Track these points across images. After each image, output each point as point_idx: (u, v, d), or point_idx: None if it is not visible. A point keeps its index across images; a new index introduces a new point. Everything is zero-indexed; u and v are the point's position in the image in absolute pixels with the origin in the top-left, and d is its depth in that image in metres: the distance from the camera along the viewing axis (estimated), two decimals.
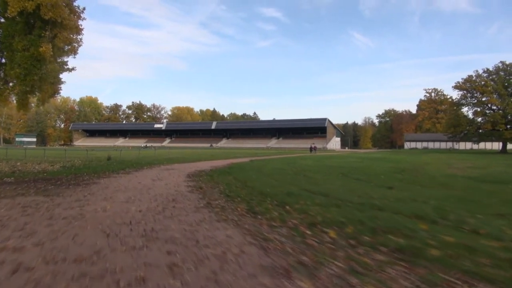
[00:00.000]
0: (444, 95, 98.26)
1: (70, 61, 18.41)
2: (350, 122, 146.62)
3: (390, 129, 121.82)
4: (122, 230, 4.54)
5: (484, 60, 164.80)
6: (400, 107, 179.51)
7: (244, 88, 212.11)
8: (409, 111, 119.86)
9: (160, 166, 18.11)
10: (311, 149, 49.04)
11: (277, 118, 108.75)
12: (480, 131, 58.68)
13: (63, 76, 25.78)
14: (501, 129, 54.78)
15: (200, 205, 6.62)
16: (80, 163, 18.17)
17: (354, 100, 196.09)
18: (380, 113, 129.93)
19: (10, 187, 8.71)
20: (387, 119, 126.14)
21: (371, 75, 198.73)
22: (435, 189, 9.42)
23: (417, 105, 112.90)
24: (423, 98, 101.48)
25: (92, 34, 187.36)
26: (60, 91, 18.59)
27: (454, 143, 73.81)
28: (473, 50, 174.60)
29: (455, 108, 64.20)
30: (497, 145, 68.35)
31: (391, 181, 11.11)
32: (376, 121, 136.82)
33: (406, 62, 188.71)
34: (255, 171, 14.70)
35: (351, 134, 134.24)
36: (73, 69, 18.19)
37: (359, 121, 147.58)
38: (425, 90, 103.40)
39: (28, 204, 6.44)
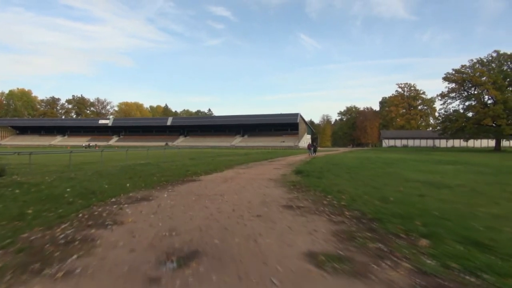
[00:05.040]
0: (416, 90, 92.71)
1: None
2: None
3: (352, 126, 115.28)
4: None
5: (419, 64, 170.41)
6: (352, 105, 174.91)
7: (196, 86, 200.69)
8: (371, 108, 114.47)
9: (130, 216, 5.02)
10: (314, 148, 35.19)
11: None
12: (476, 126, 51.60)
13: None
14: (501, 125, 48.00)
15: None
16: None
17: (304, 100, 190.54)
18: (342, 110, 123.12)
19: None
20: (349, 116, 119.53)
21: (320, 75, 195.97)
22: None
23: (381, 102, 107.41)
24: (395, 93, 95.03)
25: (29, 26, 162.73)
26: None
27: (435, 140, 67.29)
28: (410, 54, 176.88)
29: (445, 102, 57.06)
30: (486, 143, 62.97)
31: None
32: (336, 118, 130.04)
33: (350, 63, 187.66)
34: None
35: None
36: None
37: (315, 120, 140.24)
38: (397, 85, 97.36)
39: None
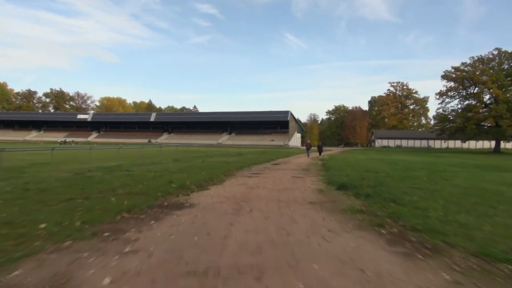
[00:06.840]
0: (409, 89, 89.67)
1: None
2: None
3: (341, 126, 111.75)
4: None
5: (404, 66, 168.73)
6: (340, 104, 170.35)
7: (181, 83, 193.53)
8: (360, 108, 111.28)
9: None
10: (319, 148, 30.00)
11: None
12: (475, 126, 48.55)
13: None
14: (502, 126, 45.03)
15: None
16: None
17: (290, 99, 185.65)
18: (330, 109, 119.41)
19: None
20: (337, 115, 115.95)
21: (306, 75, 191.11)
22: None
23: (370, 102, 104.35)
24: (386, 92, 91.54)
25: (9, 18, 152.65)
26: None
27: (429, 141, 64.36)
28: (395, 56, 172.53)
29: (443, 101, 53.86)
30: (481, 144, 60.42)
31: None
32: (324, 117, 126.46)
33: (335, 64, 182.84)
34: None
35: None
36: None
37: (301, 119, 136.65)
38: (389, 83, 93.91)
39: None
